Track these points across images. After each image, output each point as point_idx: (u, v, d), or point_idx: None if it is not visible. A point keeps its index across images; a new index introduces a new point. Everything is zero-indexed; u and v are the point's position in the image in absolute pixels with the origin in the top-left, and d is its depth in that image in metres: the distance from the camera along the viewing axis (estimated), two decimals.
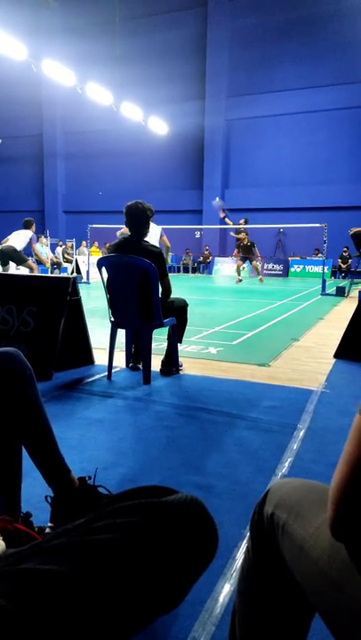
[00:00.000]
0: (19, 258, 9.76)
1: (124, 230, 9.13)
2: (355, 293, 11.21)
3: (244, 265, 14.48)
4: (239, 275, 13.74)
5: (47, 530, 1.47)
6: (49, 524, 1.49)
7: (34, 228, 10.08)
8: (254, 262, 14.40)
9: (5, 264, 9.99)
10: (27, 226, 9.88)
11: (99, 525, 0.69)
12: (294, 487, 0.88)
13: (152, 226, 7.99)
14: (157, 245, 8.03)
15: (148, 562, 0.66)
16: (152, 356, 3.54)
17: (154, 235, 8.17)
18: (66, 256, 17.08)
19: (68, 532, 0.70)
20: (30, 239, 9.93)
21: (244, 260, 14.00)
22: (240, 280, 13.56)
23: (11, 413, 1.39)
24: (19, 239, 9.75)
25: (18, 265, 9.93)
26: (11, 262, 10.02)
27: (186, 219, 21.20)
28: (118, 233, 9.12)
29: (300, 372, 3.83)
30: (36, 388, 1.42)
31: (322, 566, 0.73)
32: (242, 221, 13.48)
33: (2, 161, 24.77)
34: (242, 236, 13.51)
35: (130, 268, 3.40)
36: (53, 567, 0.63)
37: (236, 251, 14.20)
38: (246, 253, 13.74)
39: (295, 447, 2.36)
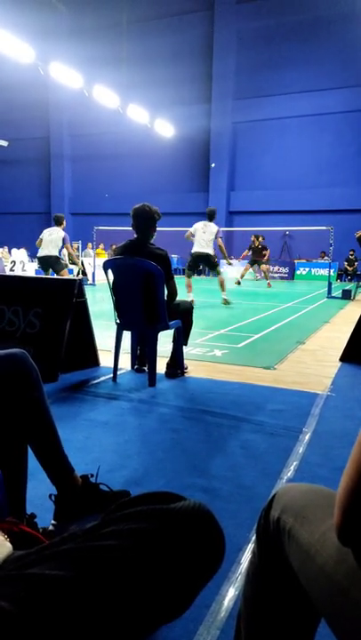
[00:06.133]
0: (60, 267, 8.87)
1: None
2: None
3: (251, 269, 14.40)
4: (241, 277, 13.52)
5: (50, 527, 1.49)
6: (52, 522, 1.52)
7: (65, 224, 9.04)
8: (263, 265, 14.29)
9: (46, 270, 9.05)
10: (58, 222, 8.88)
11: (106, 531, 0.69)
12: (301, 492, 0.88)
13: (210, 224, 8.29)
14: (211, 243, 8.16)
15: (154, 569, 0.66)
16: (157, 358, 3.54)
17: (209, 233, 8.18)
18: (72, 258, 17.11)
19: (76, 538, 0.70)
20: (63, 239, 8.85)
21: (253, 263, 13.88)
22: (239, 283, 13.34)
23: (17, 415, 1.40)
24: (55, 243, 8.76)
25: (56, 273, 8.82)
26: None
27: (192, 221, 21.05)
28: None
29: (306, 375, 3.82)
30: (42, 391, 1.43)
31: (328, 571, 0.73)
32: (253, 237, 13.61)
33: (9, 163, 24.91)
34: (254, 239, 13.57)
35: (136, 271, 3.41)
36: (60, 573, 0.63)
37: (245, 252, 14.08)
38: (257, 257, 13.67)
39: (301, 451, 2.36)
